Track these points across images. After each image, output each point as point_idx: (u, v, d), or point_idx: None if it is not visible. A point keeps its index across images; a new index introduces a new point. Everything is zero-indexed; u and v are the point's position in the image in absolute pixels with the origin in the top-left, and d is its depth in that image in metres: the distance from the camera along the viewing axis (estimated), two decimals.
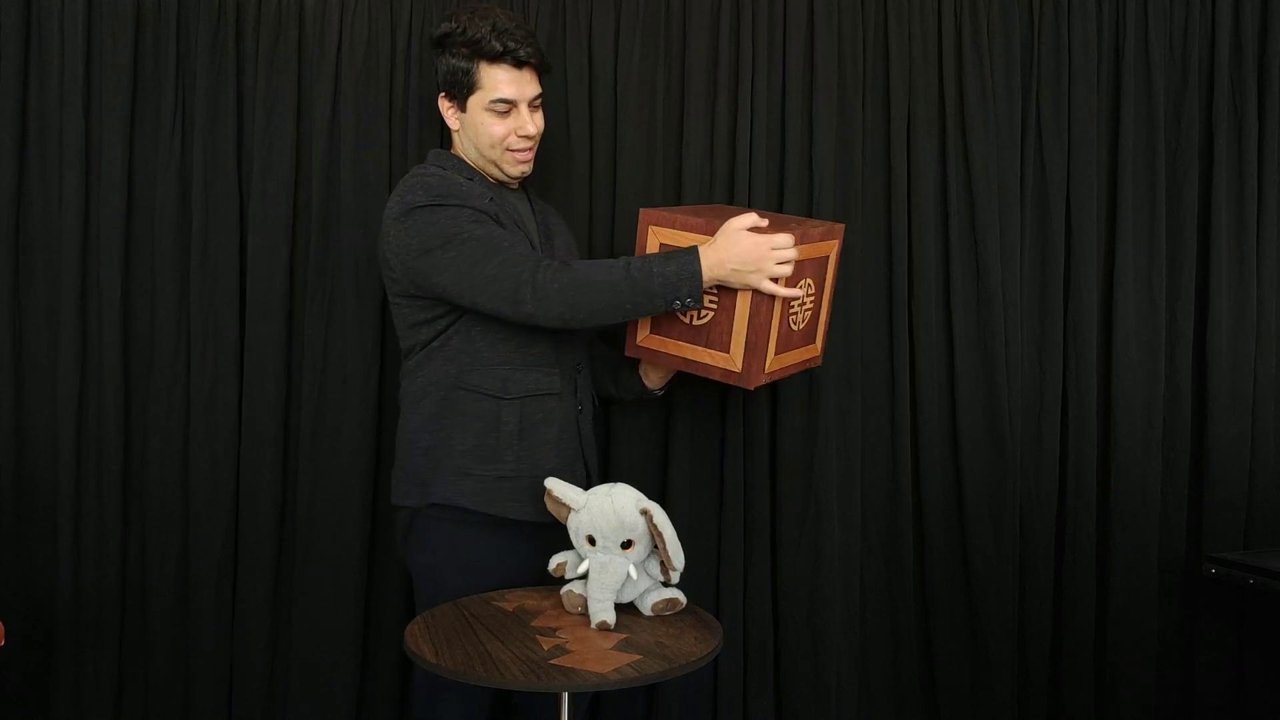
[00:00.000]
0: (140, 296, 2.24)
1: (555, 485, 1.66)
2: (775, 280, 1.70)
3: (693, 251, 1.71)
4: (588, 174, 2.26)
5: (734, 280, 1.70)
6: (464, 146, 1.94)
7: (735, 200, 2.26)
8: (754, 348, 1.77)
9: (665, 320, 1.83)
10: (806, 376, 2.26)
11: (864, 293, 2.29)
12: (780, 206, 2.27)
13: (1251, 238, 2.31)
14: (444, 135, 2.25)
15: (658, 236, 1.83)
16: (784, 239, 1.69)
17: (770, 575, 2.29)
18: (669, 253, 1.73)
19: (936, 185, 2.29)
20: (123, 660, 2.26)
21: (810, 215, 2.27)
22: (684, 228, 1.79)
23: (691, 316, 1.80)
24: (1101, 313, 2.32)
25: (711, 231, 1.74)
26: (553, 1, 2.26)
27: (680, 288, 1.69)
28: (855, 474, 2.28)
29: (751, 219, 1.71)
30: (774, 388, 2.28)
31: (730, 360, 1.79)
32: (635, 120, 2.26)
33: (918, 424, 2.30)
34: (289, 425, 2.26)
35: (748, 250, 1.68)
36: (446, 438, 1.85)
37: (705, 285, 1.70)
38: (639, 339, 1.88)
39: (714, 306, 1.78)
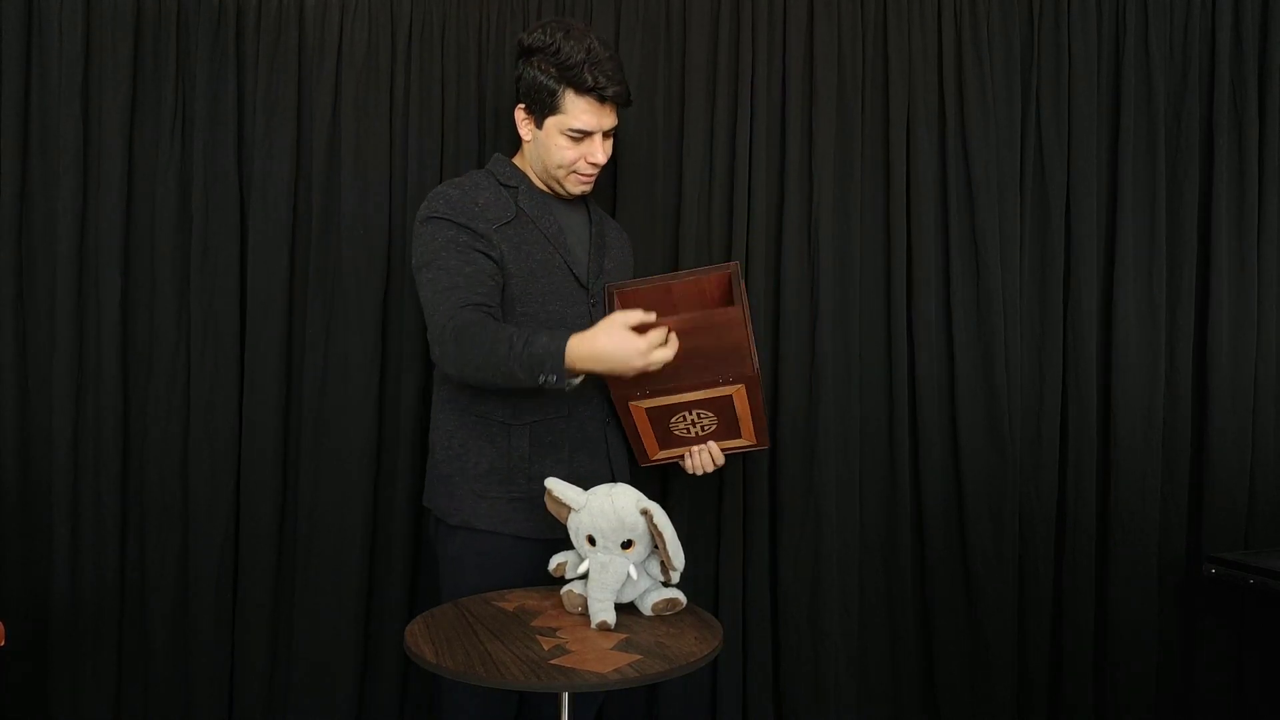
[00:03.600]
0: (140, 296, 2.24)
1: (555, 485, 1.66)
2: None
3: (565, 334, 1.71)
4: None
5: (603, 370, 1.72)
6: (530, 158, 1.95)
7: (735, 201, 2.26)
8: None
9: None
10: (806, 376, 2.27)
11: (864, 293, 2.29)
12: (780, 206, 2.27)
13: (1252, 237, 2.30)
14: (444, 134, 2.27)
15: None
16: (660, 354, 1.71)
17: (770, 576, 2.29)
18: (552, 332, 1.76)
19: (936, 185, 2.29)
20: (122, 660, 2.26)
21: (810, 215, 2.27)
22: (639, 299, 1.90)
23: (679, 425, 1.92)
24: (1101, 313, 2.32)
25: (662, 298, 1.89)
26: (553, 2, 2.26)
27: (545, 363, 1.69)
28: (855, 474, 2.28)
29: (635, 317, 1.70)
30: (774, 387, 2.28)
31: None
32: (635, 120, 2.26)
33: (917, 424, 2.30)
34: (289, 425, 2.27)
35: (618, 346, 1.68)
36: (462, 457, 1.90)
37: (574, 369, 1.70)
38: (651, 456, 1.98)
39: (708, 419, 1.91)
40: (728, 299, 1.95)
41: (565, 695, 1.51)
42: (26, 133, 2.21)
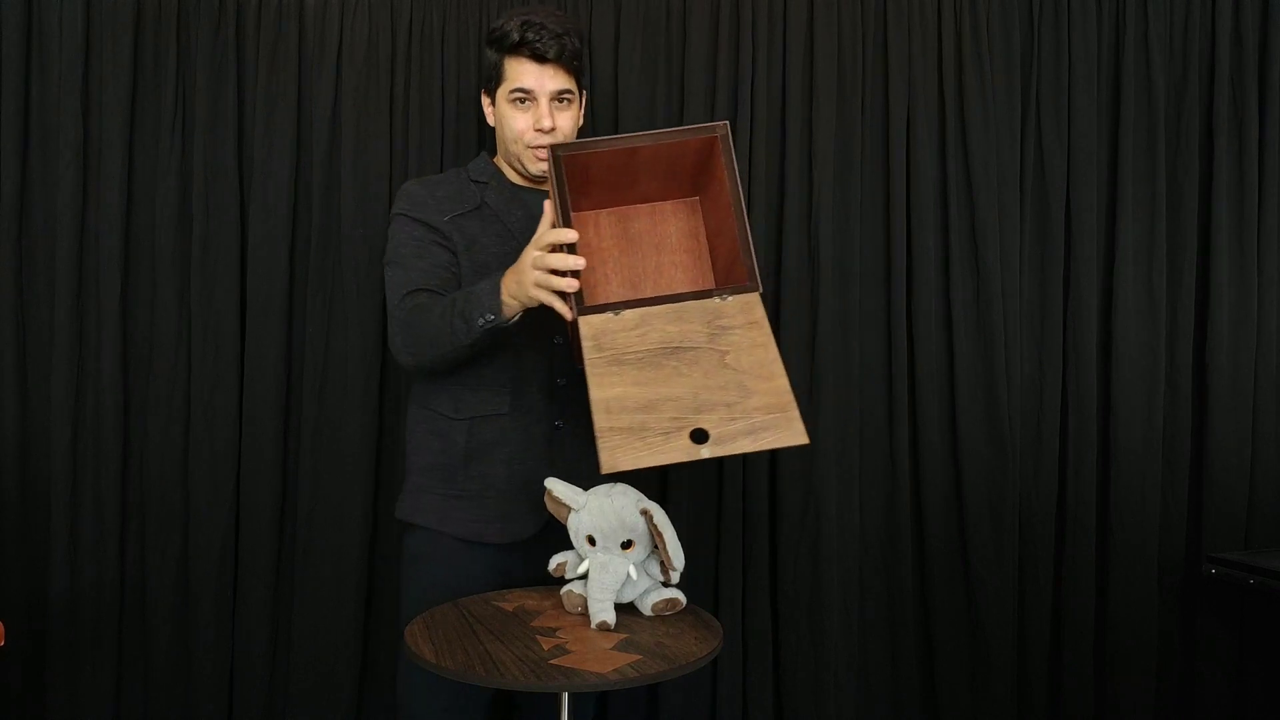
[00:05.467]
0: (140, 296, 2.24)
1: (555, 485, 1.66)
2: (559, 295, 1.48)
3: (499, 273, 1.58)
4: None
5: (521, 298, 1.54)
6: (498, 146, 1.92)
7: None
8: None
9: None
10: (806, 376, 2.26)
11: (864, 292, 2.29)
12: (780, 206, 2.27)
13: (1252, 237, 2.31)
14: (444, 134, 2.27)
15: None
16: (555, 234, 1.46)
17: (770, 575, 2.29)
18: (492, 276, 1.58)
19: (936, 185, 2.29)
20: (122, 661, 2.26)
21: (810, 215, 2.26)
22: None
23: None
24: (1101, 312, 2.32)
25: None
26: (553, 2, 2.26)
27: (482, 300, 1.58)
28: (854, 474, 2.29)
29: (561, 235, 1.46)
30: None
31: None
32: (635, 120, 2.26)
33: (917, 424, 2.30)
34: (289, 425, 2.26)
35: (522, 260, 1.51)
36: (416, 452, 1.89)
37: (505, 302, 1.56)
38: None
39: None
40: (709, 171, 1.59)
41: (565, 695, 1.51)
42: (26, 132, 2.21)
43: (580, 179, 1.56)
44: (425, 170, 2.23)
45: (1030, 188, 2.31)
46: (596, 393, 1.42)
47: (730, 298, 1.49)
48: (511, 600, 1.73)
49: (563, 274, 1.47)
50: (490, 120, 1.91)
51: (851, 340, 2.28)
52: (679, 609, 1.68)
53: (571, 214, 1.56)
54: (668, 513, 1.61)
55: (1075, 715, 2.32)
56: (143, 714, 2.27)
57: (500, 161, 1.93)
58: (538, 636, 1.53)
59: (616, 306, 1.48)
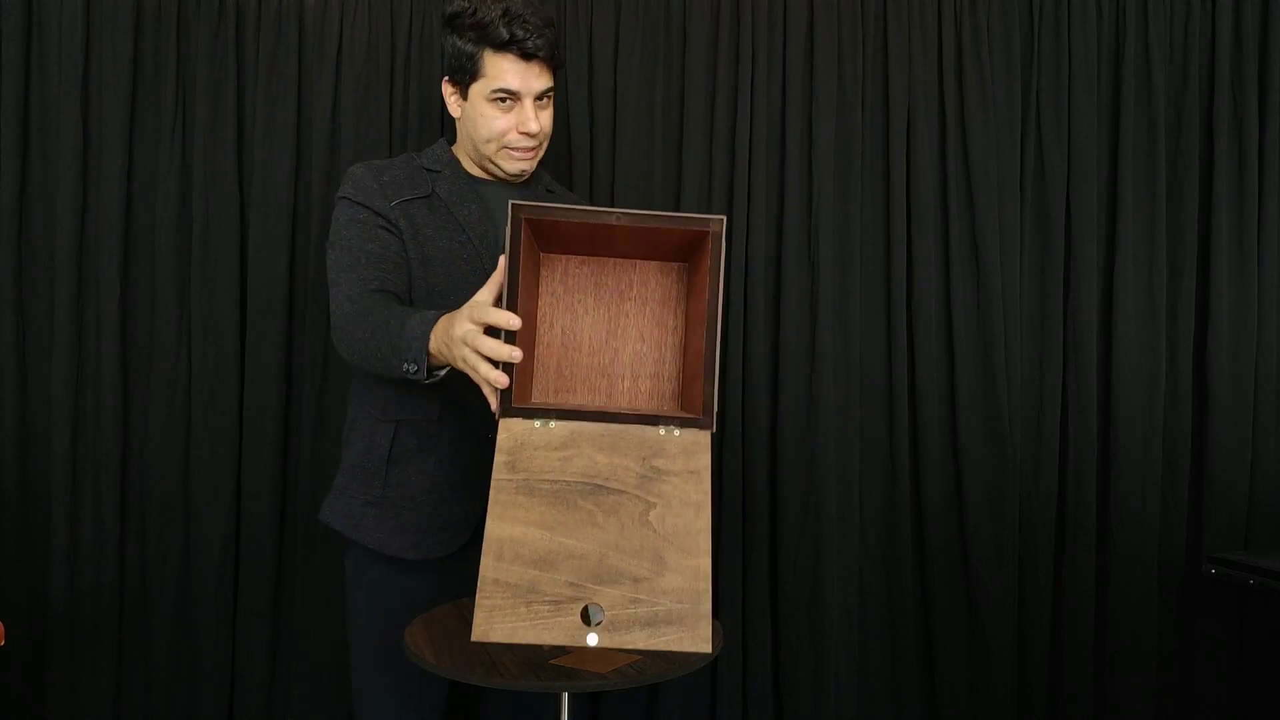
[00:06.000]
0: (140, 296, 2.24)
1: None
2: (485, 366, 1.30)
3: (438, 315, 1.41)
4: (588, 174, 2.26)
5: (447, 356, 1.38)
6: (461, 137, 1.80)
7: (735, 200, 2.26)
8: None
9: None
10: (806, 376, 2.26)
11: (864, 293, 2.29)
12: (780, 206, 2.27)
13: (1252, 237, 2.30)
14: (444, 135, 2.26)
15: None
16: (496, 315, 1.28)
17: (770, 575, 2.29)
18: (425, 313, 1.41)
19: (936, 185, 2.29)
20: (122, 660, 2.26)
21: (810, 215, 2.26)
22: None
23: None
24: (1101, 313, 2.32)
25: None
26: (553, 2, 2.26)
27: (411, 346, 1.42)
28: (854, 474, 2.28)
29: (501, 318, 1.28)
30: (774, 387, 2.28)
31: None
32: (635, 120, 2.26)
33: (917, 424, 2.30)
34: (289, 425, 2.26)
35: (453, 319, 1.35)
36: (344, 450, 1.78)
37: (432, 354, 1.40)
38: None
39: None
40: (699, 254, 1.34)
41: (565, 695, 1.51)
42: (26, 132, 2.21)
43: (547, 236, 1.36)
44: None
45: (1030, 188, 2.31)
46: (494, 527, 1.25)
47: (678, 432, 1.31)
48: None
49: (495, 363, 1.29)
50: (454, 111, 1.78)
51: (852, 340, 2.27)
52: None
53: (541, 255, 1.42)
54: None
55: (1075, 715, 2.32)
56: (143, 714, 2.26)
57: (458, 151, 1.83)
58: None
59: (547, 414, 1.32)
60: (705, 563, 1.23)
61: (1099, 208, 2.31)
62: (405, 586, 1.70)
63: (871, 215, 2.30)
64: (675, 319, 1.42)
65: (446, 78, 1.76)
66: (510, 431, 1.30)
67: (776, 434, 2.27)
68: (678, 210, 2.20)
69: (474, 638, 1.23)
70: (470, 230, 1.72)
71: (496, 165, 1.76)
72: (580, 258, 1.44)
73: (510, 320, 1.28)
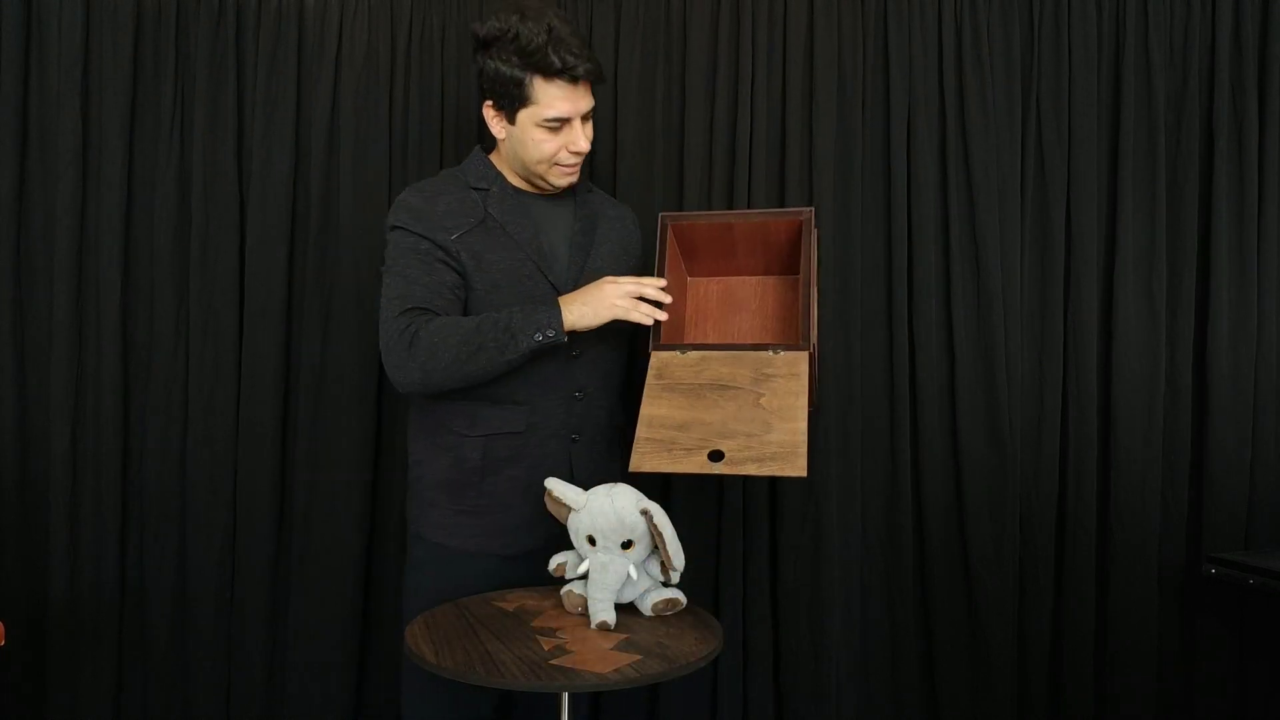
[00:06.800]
0: (139, 296, 2.24)
1: (555, 485, 1.66)
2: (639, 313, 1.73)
3: (555, 297, 1.75)
4: (588, 174, 2.26)
5: (589, 317, 1.72)
6: (507, 155, 1.85)
7: (735, 200, 2.26)
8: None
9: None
10: None
11: (864, 294, 2.29)
12: (781, 206, 2.27)
13: (1252, 239, 2.30)
14: (444, 135, 2.27)
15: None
16: (650, 281, 1.75)
17: (770, 575, 2.29)
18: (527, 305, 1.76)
19: (936, 186, 2.29)
20: (121, 661, 2.26)
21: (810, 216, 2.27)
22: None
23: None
24: (1101, 313, 2.32)
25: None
26: (554, 2, 2.26)
27: (539, 319, 1.69)
28: (855, 474, 2.28)
29: (654, 282, 1.75)
30: None
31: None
32: (635, 120, 2.26)
33: (918, 425, 2.30)
34: (287, 425, 2.26)
35: (595, 287, 1.73)
36: (422, 463, 1.87)
37: (568, 321, 1.71)
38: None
39: None
40: (795, 247, 1.85)
41: (565, 695, 1.51)
42: (25, 132, 2.21)
43: (687, 245, 1.87)
44: (425, 171, 2.23)
45: (1030, 188, 2.31)
46: (645, 409, 1.68)
47: (782, 352, 1.73)
48: (512, 600, 1.73)
49: (651, 304, 1.73)
50: (498, 133, 1.82)
51: (852, 341, 2.27)
52: (679, 609, 1.68)
53: (688, 278, 1.93)
54: (668, 513, 1.61)
55: (1075, 715, 2.32)
56: (142, 713, 2.27)
57: (500, 164, 1.88)
58: (538, 636, 1.53)
59: (684, 347, 1.77)
60: (803, 426, 1.61)
61: (1099, 208, 2.30)
62: (483, 578, 1.80)
63: (871, 215, 2.30)
64: (794, 312, 1.85)
65: (490, 102, 1.79)
66: (659, 358, 1.75)
67: None
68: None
69: (630, 469, 1.64)
70: (527, 248, 1.81)
71: (545, 181, 1.83)
72: (717, 279, 1.95)
73: (658, 280, 1.76)
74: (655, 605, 1.65)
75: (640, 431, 1.66)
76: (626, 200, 2.24)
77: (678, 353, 1.77)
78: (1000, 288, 2.27)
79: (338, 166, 2.23)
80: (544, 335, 1.69)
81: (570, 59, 1.71)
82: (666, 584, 1.67)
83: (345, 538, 2.23)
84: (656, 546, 1.62)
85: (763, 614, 2.28)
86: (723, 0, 2.26)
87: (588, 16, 2.26)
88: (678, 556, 1.60)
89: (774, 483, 2.28)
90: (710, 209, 2.26)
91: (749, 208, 2.25)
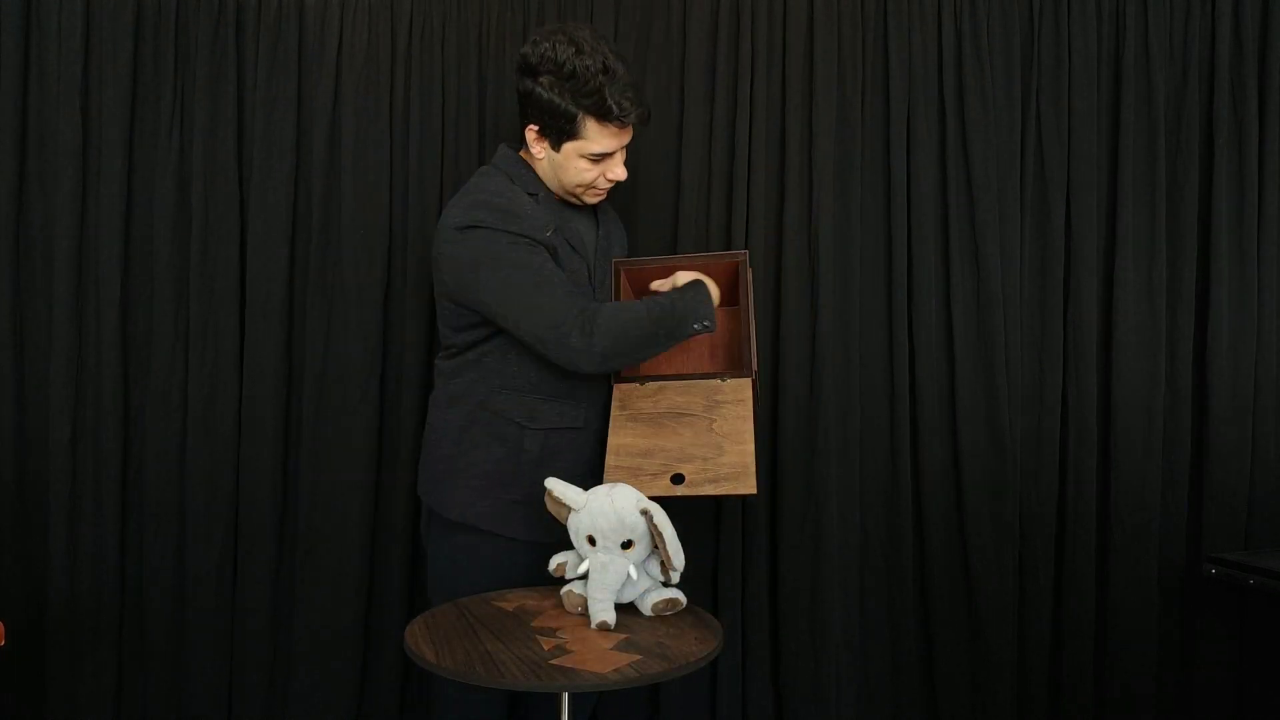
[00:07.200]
0: (139, 296, 2.24)
1: (555, 485, 1.66)
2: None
3: (700, 283, 1.85)
4: None
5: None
6: (544, 173, 1.89)
7: (735, 200, 2.26)
8: None
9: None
10: (807, 376, 2.26)
11: (864, 293, 2.29)
12: (780, 206, 2.28)
13: (1252, 238, 2.30)
14: (444, 135, 2.26)
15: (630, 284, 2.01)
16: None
17: (770, 575, 2.29)
18: (678, 289, 1.87)
19: (936, 186, 2.29)
20: (122, 660, 2.26)
21: (810, 215, 2.27)
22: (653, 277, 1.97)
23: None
24: (1101, 313, 2.32)
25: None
26: (554, 2, 2.26)
27: (699, 309, 1.80)
28: (855, 474, 2.28)
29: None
30: (774, 387, 2.28)
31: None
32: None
33: (917, 424, 2.30)
34: (288, 425, 2.26)
35: (706, 281, 1.88)
36: (468, 453, 1.87)
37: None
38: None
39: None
40: (733, 287, 1.97)
41: (565, 695, 1.51)
42: (25, 132, 2.21)
43: (640, 287, 1.98)
44: (425, 170, 2.23)
45: (1030, 189, 2.31)
46: (612, 439, 1.84)
47: (728, 380, 1.89)
48: (511, 600, 1.73)
49: None
50: (537, 153, 1.86)
51: (852, 341, 2.27)
52: (679, 609, 1.68)
53: None
54: (667, 513, 1.61)
55: (1075, 715, 2.32)
56: (142, 713, 2.27)
57: (536, 167, 1.89)
58: (538, 636, 1.53)
59: (643, 379, 1.92)
60: (750, 447, 1.78)
61: (1099, 208, 2.30)
62: (519, 565, 1.85)
63: (871, 215, 2.30)
64: (738, 339, 1.99)
65: (535, 127, 1.81)
66: (621, 390, 1.91)
67: (776, 434, 2.27)
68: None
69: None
70: (586, 253, 1.91)
71: (578, 199, 1.90)
72: None
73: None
74: (655, 605, 1.65)
75: (609, 460, 1.82)
76: (625, 200, 2.24)
77: (637, 384, 1.91)
78: (1000, 286, 2.27)
79: (338, 165, 2.23)
80: (702, 325, 1.80)
81: (626, 105, 1.76)
82: (666, 584, 1.67)
83: (347, 537, 2.23)
84: (656, 546, 1.62)
85: (762, 614, 2.28)
86: (722, 0, 2.26)
87: (587, 16, 2.26)
88: (678, 556, 1.60)
89: (774, 483, 2.28)
90: (710, 209, 2.27)
91: (748, 208, 2.26)
